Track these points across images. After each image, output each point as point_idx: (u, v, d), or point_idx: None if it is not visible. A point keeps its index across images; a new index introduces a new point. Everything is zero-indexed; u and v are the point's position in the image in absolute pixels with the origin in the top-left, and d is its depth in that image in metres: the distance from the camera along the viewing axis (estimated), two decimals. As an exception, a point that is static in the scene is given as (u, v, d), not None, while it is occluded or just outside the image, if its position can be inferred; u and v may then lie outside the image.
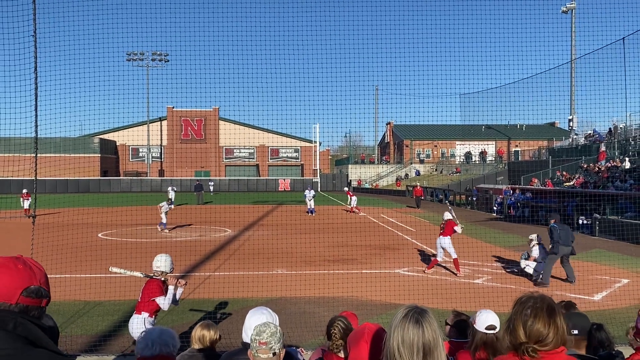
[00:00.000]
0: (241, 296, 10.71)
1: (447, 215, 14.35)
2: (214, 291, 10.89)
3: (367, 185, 66.15)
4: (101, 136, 68.73)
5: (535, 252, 13.23)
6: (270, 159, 79.22)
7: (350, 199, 32.88)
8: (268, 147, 78.37)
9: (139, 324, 6.55)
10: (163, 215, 22.68)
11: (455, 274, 13.45)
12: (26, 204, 29.92)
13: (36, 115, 7.84)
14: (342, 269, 14.35)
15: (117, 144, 73.92)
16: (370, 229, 21.17)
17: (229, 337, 7.60)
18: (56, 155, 39.03)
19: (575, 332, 3.94)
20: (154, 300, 6.66)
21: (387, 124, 79.84)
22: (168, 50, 62.22)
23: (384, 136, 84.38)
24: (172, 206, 23.97)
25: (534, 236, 13.73)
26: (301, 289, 11.09)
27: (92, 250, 15.43)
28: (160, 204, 23.10)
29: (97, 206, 30.55)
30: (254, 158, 78.86)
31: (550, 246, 12.87)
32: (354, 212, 31.56)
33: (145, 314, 6.69)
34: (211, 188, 55.98)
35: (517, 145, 67.27)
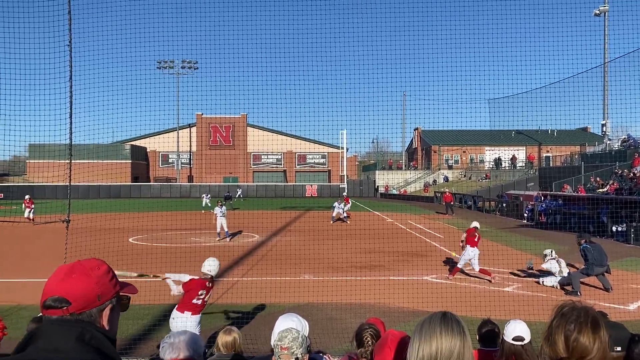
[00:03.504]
0: (268, 301, 10.77)
1: (474, 224, 14.23)
2: (241, 296, 10.98)
3: (394, 192, 65.75)
4: (132, 143, 70.15)
5: (549, 266, 13.12)
6: (298, 165, 79.51)
7: (346, 204, 32.69)
8: (295, 153, 78.69)
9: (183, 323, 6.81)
10: (223, 223, 22.07)
11: (490, 281, 13.27)
12: (27, 212, 28.61)
13: (71, 123, 8.07)
14: (369, 275, 14.28)
15: (148, 150, 75.31)
16: (398, 236, 21.03)
17: (256, 342, 7.65)
18: (89, 161, 40.01)
19: (619, 349, 3.38)
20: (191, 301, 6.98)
21: (414, 130, 79.34)
22: (197, 58, 63.26)
23: (411, 142, 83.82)
24: (225, 210, 22.75)
25: (548, 251, 13.56)
26: (328, 295, 11.08)
27: (123, 255, 15.70)
28: (215, 212, 22.76)
29: (128, 211, 31.13)
30: (281, 164, 79.28)
31: (583, 267, 12.60)
32: (346, 215, 31.12)
33: (187, 313, 6.94)
34: (239, 193, 56.67)
35: (548, 151, 65.94)
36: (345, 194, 39.41)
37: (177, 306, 7.23)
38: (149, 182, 70.46)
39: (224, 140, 76.91)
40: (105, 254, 14.12)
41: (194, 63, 64.43)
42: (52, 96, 10.35)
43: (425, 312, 9.77)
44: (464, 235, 14.25)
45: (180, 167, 72.31)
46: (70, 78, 7.65)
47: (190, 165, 75.99)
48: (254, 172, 78.13)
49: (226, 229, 22.05)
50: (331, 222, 29.73)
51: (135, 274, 7.35)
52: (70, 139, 8.49)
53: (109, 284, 1.78)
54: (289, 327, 3.17)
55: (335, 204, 31.40)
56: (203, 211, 35.82)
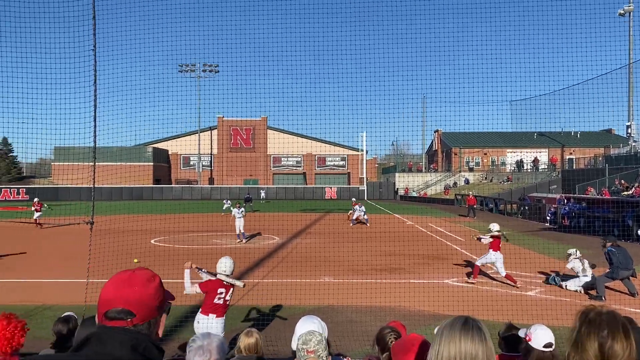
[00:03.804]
0: (288, 304, 10.80)
1: (495, 227, 14.07)
2: (261, 298, 11.03)
3: (414, 194, 65.39)
4: (154, 145, 71.04)
5: (572, 265, 12.95)
6: (317, 167, 79.61)
7: (354, 208, 32.45)
8: (315, 155, 78.81)
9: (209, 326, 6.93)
10: (240, 225, 22.17)
11: (515, 286, 13.11)
12: (36, 215, 28.01)
13: (95, 126, 8.22)
14: (389, 278, 14.23)
15: (170, 153, 76.21)
16: (418, 238, 20.91)
17: (277, 344, 7.69)
18: (112, 164, 40.61)
19: None
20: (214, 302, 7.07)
21: (435, 132, 78.83)
22: (218, 62, 63.86)
23: (431, 144, 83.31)
24: (243, 212, 22.84)
25: (572, 250, 13.35)
26: (348, 297, 11.07)
27: (145, 256, 15.91)
28: (233, 214, 22.86)
29: (150, 213, 31.52)
30: (301, 166, 79.46)
31: (608, 270, 12.37)
32: (351, 219, 30.97)
33: (212, 315, 7.04)
34: (263, 195, 57.15)
35: (571, 153, 64.91)
36: (354, 199, 39.42)
37: (200, 309, 7.27)
38: (171, 184, 71.27)
39: (244, 143, 77.40)
40: (127, 255, 14.36)
41: (215, 67, 65.06)
42: (77, 100, 10.59)
43: (445, 315, 9.71)
44: (488, 238, 14.02)
45: (201, 170, 73.00)
46: (95, 82, 7.81)
47: (211, 167, 76.63)
48: (273, 174, 78.45)
49: (243, 231, 22.19)
50: (350, 224, 29.73)
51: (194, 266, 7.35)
52: (95, 142, 8.65)
53: (163, 294, 1.84)
54: (312, 330, 3.18)
55: (356, 206, 31.35)
56: (223, 214, 36.14)
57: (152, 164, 68.63)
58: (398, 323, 4.17)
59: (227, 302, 7.33)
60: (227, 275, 7.30)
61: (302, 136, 69.27)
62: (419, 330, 5.92)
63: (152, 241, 21.39)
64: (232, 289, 7.32)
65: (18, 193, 57.72)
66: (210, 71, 65.79)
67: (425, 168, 77.64)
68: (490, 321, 8.85)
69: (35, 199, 29.40)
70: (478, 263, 13.82)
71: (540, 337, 3.90)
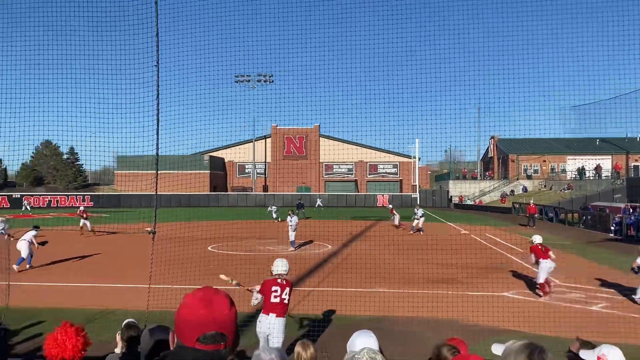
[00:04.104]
0: (342, 313, 10.83)
1: (537, 239, 13.64)
2: (314, 306, 11.10)
3: (469, 202, 63.96)
4: (211, 154, 73.01)
5: None
6: (369, 174, 79.33)
7: (394, 216, 33.06)
8: (367, 162, 78.59)
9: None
10: (292, 233, 22.19)
11: (543, 297, 12.69)
12: (81, 222, 27.42)
13: (157, 136, 8.57)
14: (444, 289, 13.99)
15: (226, 161, 78.14)
16: (474, 248, 20.45)
17: (331, 354, 7.72)
18: (171, 172, 42.01)
19: None
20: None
21: (490, 138, 76.91)
22: (272, 72, 64.96)
23: (487, 150, 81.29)
24: (296, 220, 22.76)
25: None
26: (402, 308, 10.97)
27: (203, 262, 16.39)
28: (288, 221, 22.89)
29: (207, 220, 32.37)
30: (352, 174, 79.43)
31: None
32: (399, 227, 31.49)
33: (272, 315, 7.36)
34: (319, 203, 57.63)
35: (636, 160, 61.70)
36: (390, 205, 39.19)
37: (262, 310, 7.58)
38: (227, 191, 72.92)
39: (297, 151, 78.23)
40: (187, 262, 14.80)
41: (269, 77, 66.21)
42: (138, 111, 11.09)
43: (504, 330, 9.46)
44: (532, 256, 13.66)
45: (256, 177, 74.36)
46: (157, 97, 8.15)
47: (265, 175, 77.89)
48: (326, 181, 78.79)
49: (293, 239, 22.32)
50: (411, 231, 29.47)
51: (235, 282, 7.85)
52: (157, 151, 9.01)
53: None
54: (373, 349, 3.18)
55: (416, 209, 31.06)
56: (274, 221, 36.65)
57: (209, 172, 70.50)
58: (459, 340, 4.09)
59: (285, 302, 7.47)
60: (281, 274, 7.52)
61: (353, 144, 69.26)
62: (478, 345, 5.81)
63: (209, 248, 21.94)
64: (287, 288, 7.50)
65: (83, 200, 60.56)
66: (265, 81, 67.04)
67: (480, 175, 75.81)
68: (551, 337, 8.54)
69: (81, 207, 29.34)
70: (540, 281, 13.33)
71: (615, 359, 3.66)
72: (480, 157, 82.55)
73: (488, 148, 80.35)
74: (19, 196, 57.41)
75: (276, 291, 7.37)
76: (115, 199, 60.93)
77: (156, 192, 9.19)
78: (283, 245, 22.79)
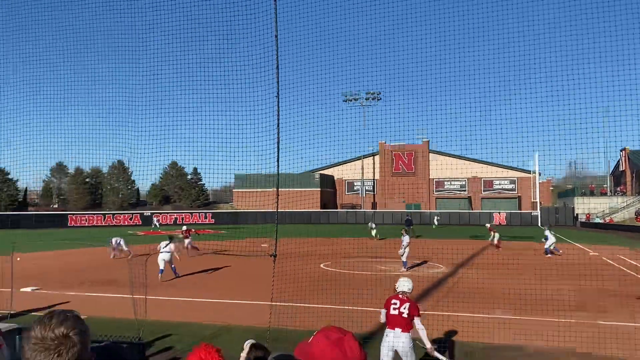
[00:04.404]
0: (459, 339, 10.32)
1: None
2: (429, 330, 10.69)
3: (598, 220, 58.76)
4: (321, 172, 74.60)
5: None
6: (484, 190, 76.13)
7: (493, 235, 31.44)
8: (481, 178, 75.55)
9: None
10: (404, 252, 21.61)
11: None
12: (187, 242, 26.86)
13: (278, 155, 8.87)
14: (572, 316, 12.82)
15: (335, 179, 79.39)
16: (607, 272, 18.61)
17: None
18: (283, 189, 43.41)
19: None
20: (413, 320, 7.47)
21: (621, 150, 70.37)
22: (380, 89, 65.12)
23: (617, 163, 74.40)
24: (408, 239, 22.09)
25: None
26: (527, 335, 10.21)
27: (317, 281, 16.55)
28: (402, 239, 22.07)
29: (318, 237, 32.91)
30: (465, 190, 76.74)
31: None
32: (499, 247, 29.68)
33: (397, 330, 7.42)
34: (436, 222, 56.38)
35: None
36: (489, 224, 36.89)
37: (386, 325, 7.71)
38: (336, 208, 73.89)
39: (406, 168, 77.35)
40: (301, 280, 15.04)
41: (377, 94, 66.47)
42: (255, 131, 11.59)
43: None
44: None
45: (364, 194, 74.60)
46: (278, 126, 8.43)
47: (374, 192, 77.87)
48: (436, 198, 76.89)
49: (404, 259, 21.76)
50: (549, 255, 27.09)
51: (430, 345, 7.83)
52: (278, 169, 9.35)
53: None
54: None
55: (547, 232, 28.70)
56: (372, 239, 36.26)
57: (319, 189, 72.02)
58: None
59: (404, 315, 7.50)
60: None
61: (466, 159, 66.99)
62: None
63: (322, 265, 22.20)
64: (407, 303, 7.56)
65: (205, 217, 64.62)
66: (373, 99, 67.44)
67: (610, 191, 69.50)
68: None
69: (184, 227, 29.26)
70: None
71: None
72: (610, 171, 75.75)
73: (619, 161, 73.55)
74: (149, 214, 62.66)
75: (395, 304, 7.58)
76: (233, 216, 64.25)
77: (277, 207, 9.48)
78: (395, 264, 22.42)
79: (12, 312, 12.76)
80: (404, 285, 7.82)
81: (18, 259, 21.57)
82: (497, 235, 31.54)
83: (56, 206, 72.21)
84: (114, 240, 26.04)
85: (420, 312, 7.73)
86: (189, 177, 78.28)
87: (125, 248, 25.76)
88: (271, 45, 8.70)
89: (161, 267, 18.73)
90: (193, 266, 22.05)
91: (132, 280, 11.06)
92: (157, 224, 57.95)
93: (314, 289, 14.65)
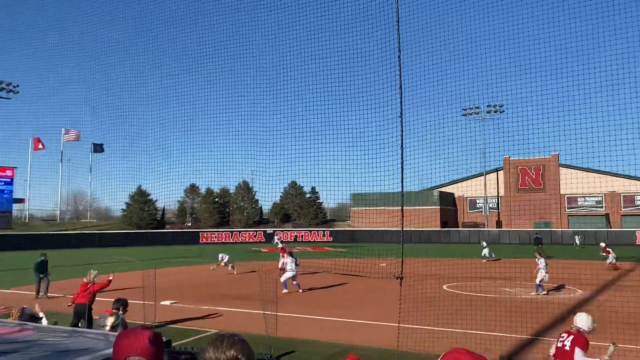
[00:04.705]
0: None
1: None
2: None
3: None
4: (440, 189, 72.73)
5: None
6: (623, 207, 69.15)
7: (608, 255, 29.30)
8: (620, 194, 68.74)
9: None
10: (541, 275, 20.08)
11: None
12: (281, 264, 24.11)
13: (402, 176, 8.79)
14: None
15: (456, 196, 76.92)
16: None
17: None
18: (400, 208, 42.89)
19: None
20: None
21: None
22: (502, 101, 62.18)
23: None
24: (543, 262, 20.51)
25: None
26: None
27: (438, 302, 16.00)
28: (538, 262, 20.58)
29: (439, 257, 31.94)
30: (602, 207, 70.26)
31: None
32: (617, 269, 27.65)
33: None
34: (577, 241, 52.40)
35: None
36: (603, 244, 32.90)
37: None
38: (458, 227, 71.42)
39: (533, 183, 72.75)
40: (425, 301, 14.65)
41: (500, 106, 63.55)
42: (376, 150, 11.60)
43: None
44: None
45: (488, 212, 71.32)
46: (402, 147, 8.38)
47: (498, 209, 74.12)
48: (568, 216, 71.20)
49: (537, 281, 20.23)
50: None
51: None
52: (402, 191, 9.27)
53: None
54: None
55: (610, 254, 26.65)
56: (483, 260, 34.05)
57: (438, 207, 70.22)
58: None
59: (567, 349, 7.04)
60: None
61: (602, 172, 61.33)
62: None
63: (444, 287, 21.48)
64: (572, 336, 7.09)
65: (324, 235, 65.86)
66: (495, 112, 64.61)
67: None
68: None
69: (279, 245, 29.24)
70: None
71: None
72: None
73: None
74: (271, 231, 65.29)
75: (562, 337, 7.22)
76: (349, 235, 64.74)
77: (402, 226, 9.36)
78: (528, 288, 20.96)
79: (155, 323, 13.90)
80: (580, 321, 7.39)
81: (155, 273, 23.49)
82: (612, 255, 28.92)
83: (189, 224, 77.99)
84: (220, 255, 28.03)
85: (588, 347, 7.08)
86: (308, 196, 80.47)
87: (227, 263, 27.65)
88: (394, 64, 8.68)
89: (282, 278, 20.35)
90: (312, 282, 22.45)
91: (263, 297, 11.50)
92: (278, 241, 60.17)
93: (439, 312, 14.17)
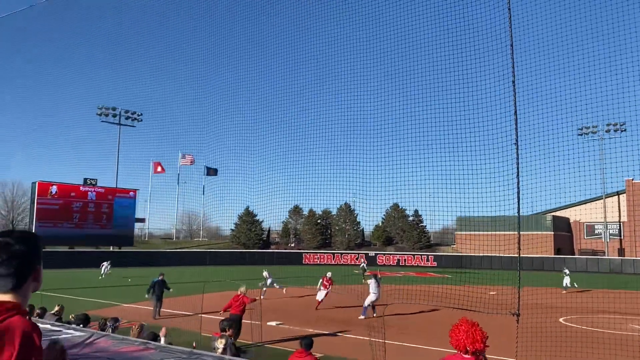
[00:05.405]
0: None
1: None
2: None
3: None
4: (554, 213, 68.29)
5: None
6: None
7: None
8: None
9: None
10: None
11: None
12: (321, 295, 22.86)
13: (518, 202, 8.47)
14: None
15: (571, 221, 71.77)
16: None
17: None
18: (508, 233, 40.78)
19: None
20: None
21: None
22: (624, 119, 57.42)
23: None
24: None
25: None
26: None
27: (561, 338, 14.87)
28: None
29: (552, 286, 29.85)
30: None
31: None
32: None
33: None
34: None
35: None
36: None
37: None
38: (573, 254, 66.42)
39: (662, 207, 65.84)
40: (542, 335, 13.72)
41: (621, 125, 58.75)
42: (489, 174, 11.18)
43: None
44: None
45: (608, 239, 65.60)
46: (517, 174, 8.11)
47: (620, 236, 67.90)
48: None
49: None
50: None
51: None
52: (518, 212, 8.96)
53: None
54: None
55: None
56: (563, 291, 30.45)
57: (552, 233, 65.93)
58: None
59: None
60: None
61: None
62: None
63: (561, 319, 19.99)
64: None
65: (427, 259, 64.33)
66: (615, 130, 59.83)
67: None
68: None
69: (329, 274, 24.29)
70: None
71: None
72: None
73: None
74: (373, 254, 64.93)
75: None
76: (455, 260, 62.60)
77: (519, 252, 8.93)
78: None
79: (258, 343, 14.36)
80: None
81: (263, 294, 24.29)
82: None
83: (292, 245, 79.87)
84: (265, 273, 28.35)
85: None
86: (410, 219, 79.17)
87: (273, 284, 27.67)
88: (508, 88, 8.42)
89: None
90: (407, 307, 21.90)
91: (371, 324, 11.46)
92: (364, 265, 59.13)
93: (559, 348, 13.19)
